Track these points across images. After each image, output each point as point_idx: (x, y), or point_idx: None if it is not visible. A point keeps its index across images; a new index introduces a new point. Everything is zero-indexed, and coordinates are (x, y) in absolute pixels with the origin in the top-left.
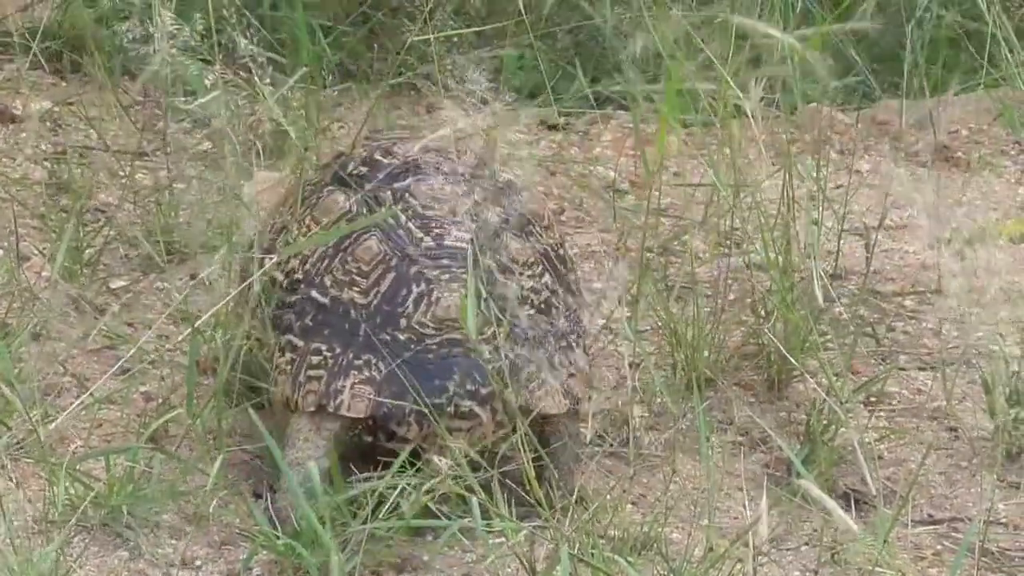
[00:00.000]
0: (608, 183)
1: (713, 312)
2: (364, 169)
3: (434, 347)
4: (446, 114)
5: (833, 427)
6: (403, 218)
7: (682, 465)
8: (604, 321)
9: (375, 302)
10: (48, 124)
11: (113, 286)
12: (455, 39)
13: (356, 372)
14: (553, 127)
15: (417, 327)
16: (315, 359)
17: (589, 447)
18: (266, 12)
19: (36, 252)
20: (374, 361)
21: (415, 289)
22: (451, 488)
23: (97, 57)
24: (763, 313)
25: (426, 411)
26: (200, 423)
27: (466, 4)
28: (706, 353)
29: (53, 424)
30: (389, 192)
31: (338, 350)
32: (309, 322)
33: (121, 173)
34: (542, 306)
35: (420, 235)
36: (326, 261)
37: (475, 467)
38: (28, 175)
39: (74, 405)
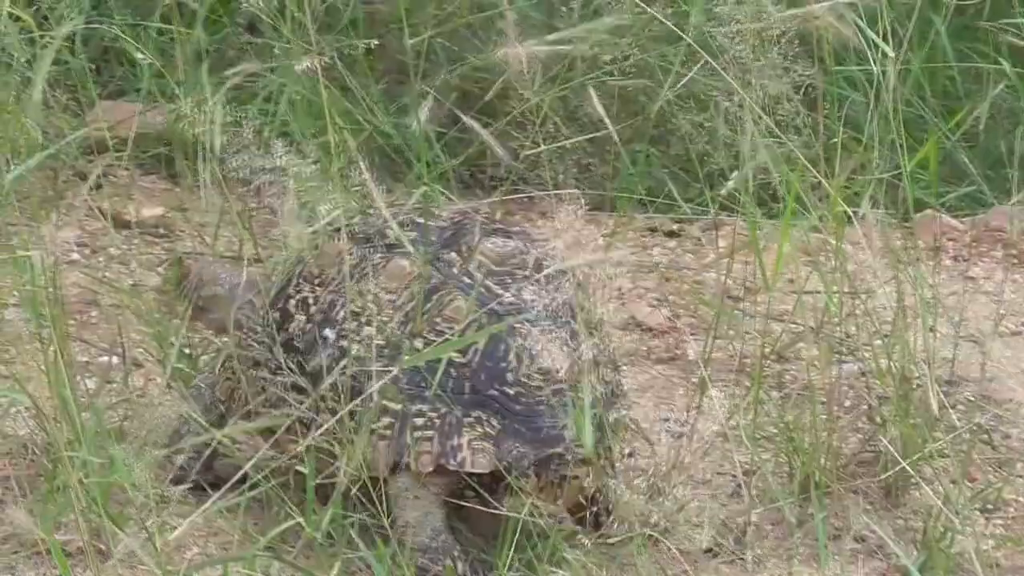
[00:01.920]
0: (722, 290)
1: (829, 419)
2: (410, 233)
3: (543, 399)
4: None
5: (950, 535)
6: (479, 276)
7: (799, 572)
8: (719, 427)
9: (475, 359)
10: (160, 230)
11: None
12: (568, 146)
13: (469, 429)
14: (668, 233)
15: (524, 380)
16: (419, 420)
17: (707, 555)
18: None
19: (149, 359)
20: (485, 417)
21: (513, 344)
22: None
23: (210, 165)
24: (879, 420)
25: (544, 462)
26: (318, 530)
27: (578, 111)
28: (822, 460)
29: (173, 534)
30: (454, 253)
31: (443, 409)
32: (405, 385)
33: None
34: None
35: (499, 291)
36: (409, 324)
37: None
38: (141, 282)
39: (194, 515)
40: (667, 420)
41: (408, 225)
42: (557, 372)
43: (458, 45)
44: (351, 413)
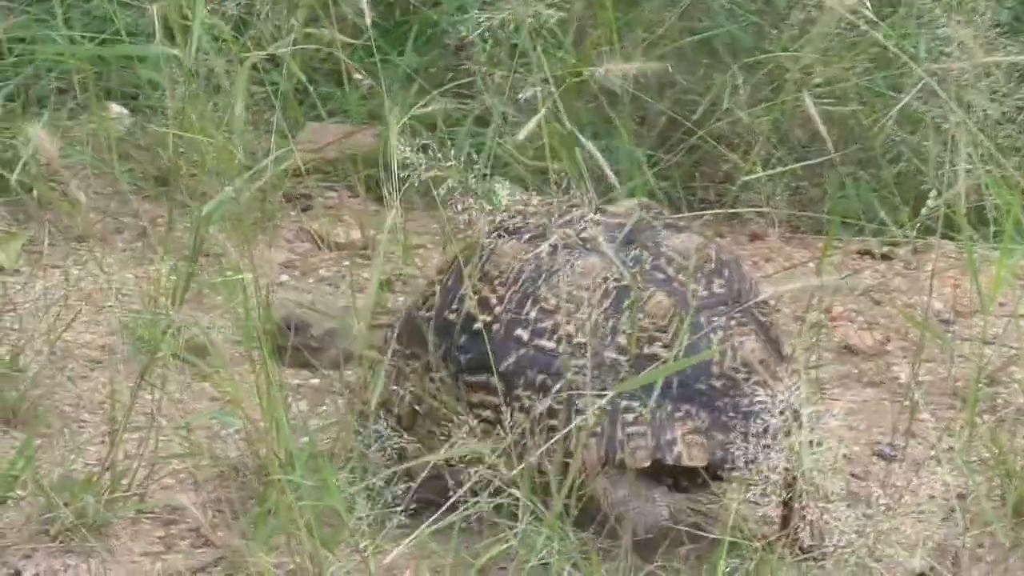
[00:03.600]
0: (934, 313)
1: None
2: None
3: (748, 391)
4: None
5: None
6: (671, 271)
7: None
8: (931, 451)
9: (680, 354)
10: (370, 252)
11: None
12: (777, 167)
13: (681, 423)
14: (883, 256)
15: (729, 373)
16: (629, 416)
17: None
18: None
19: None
20: (694, 411)
21: (715, 338)
22: None
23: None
24: None
25: (750, 454)
26: (532, 553)
27: (789, 133)
28: None
29: (387, 559)
30: (640, 249)
31: (652, 404)
32: (612, 381)
33: None
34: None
35: (692, 286)
36: (611, 321)
37: None
38: (351, 304)
39: (408, 540)
40: (879, 443)
41: (584, 223)
42: (759, 363)
43: (668, 68)
44: (551, 412)
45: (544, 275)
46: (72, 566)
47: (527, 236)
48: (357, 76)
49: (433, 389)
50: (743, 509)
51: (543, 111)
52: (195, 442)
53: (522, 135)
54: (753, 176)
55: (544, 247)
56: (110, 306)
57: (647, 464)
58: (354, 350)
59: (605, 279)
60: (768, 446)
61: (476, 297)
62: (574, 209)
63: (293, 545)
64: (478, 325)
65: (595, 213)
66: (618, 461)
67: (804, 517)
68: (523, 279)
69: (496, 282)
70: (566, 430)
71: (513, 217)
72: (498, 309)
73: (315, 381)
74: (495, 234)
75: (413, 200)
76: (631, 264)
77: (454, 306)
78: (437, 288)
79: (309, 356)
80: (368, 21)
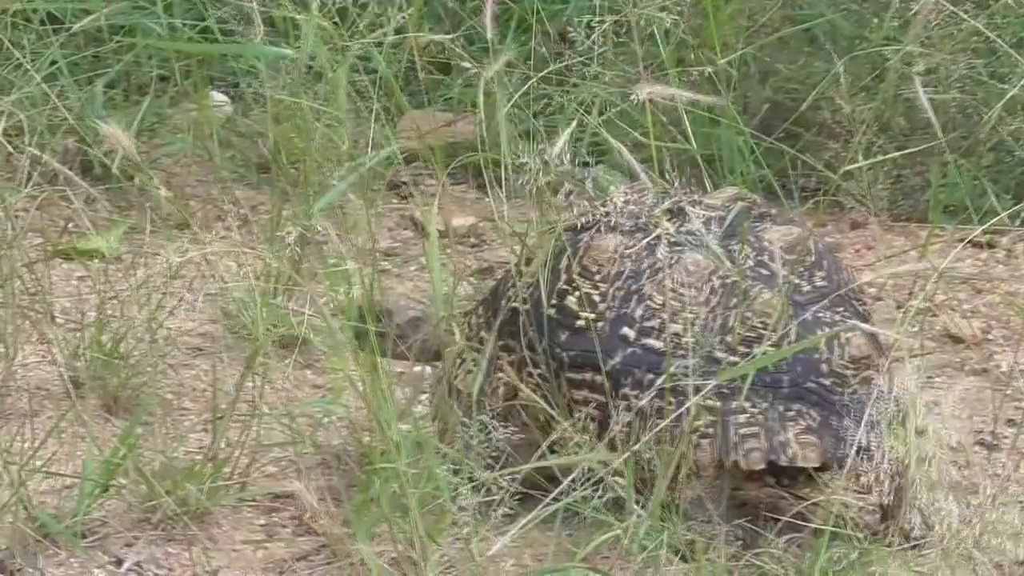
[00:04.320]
0: None
1: None
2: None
3: (856, 388)
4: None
5: None
6: (774, 267)
7: None
8: None
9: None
10: (472, 240)
11: None
12: (878, 155)
13: (793, 423)
14: (981, 245)
15: (838, 370)
16: (741, 417)
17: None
18: (687, 127)
19: None
20: (805, 409)
21: (821, 334)
22: None
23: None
24: None
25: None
26: (635, 541)
27: (891, 122)
28: None
29: (492, 550)
30: (744, 245)
31: (764, 404)
32: (720, 383)
33: None
34: None
35: (796, 281)
36: (718, 321)
37: None
38: (453, 292)
39: (513, 531)
40: (981, 432)
41: (675, 214)
42: (866, 359)
43: (770, 56)
44: (659, 412)
45: (647, 271)
46: (174, 554)
47: (627, 229)
48: (465, 64)
49: (531, 384)
50: (845, 497)
51: (572, 127)
52: (297, 430)
53: (556, 150)
54: (855, 165)
55: (646, 242)
56: (212, 293)
57: (762, 467)
58: (440, 339)
59: (711, 274)
60: (878, 440)
61: (579, 294)
62: (673, 199)
63: (395, 533)
64: (581, 322)
65: (693, 205)
66: (731, 463)
67: (912, 507)
68: (626, 275)
69: (597, 278)
70: (673, 424)
71: (613, 208)
72: (602, 306)
73: (417, 369)
74: (595, 227)
75: (515, 188)
76: (737, 260)
77: (553, 301)
78: (532, 280)
79: (391, 345)
80: (490, 36)
